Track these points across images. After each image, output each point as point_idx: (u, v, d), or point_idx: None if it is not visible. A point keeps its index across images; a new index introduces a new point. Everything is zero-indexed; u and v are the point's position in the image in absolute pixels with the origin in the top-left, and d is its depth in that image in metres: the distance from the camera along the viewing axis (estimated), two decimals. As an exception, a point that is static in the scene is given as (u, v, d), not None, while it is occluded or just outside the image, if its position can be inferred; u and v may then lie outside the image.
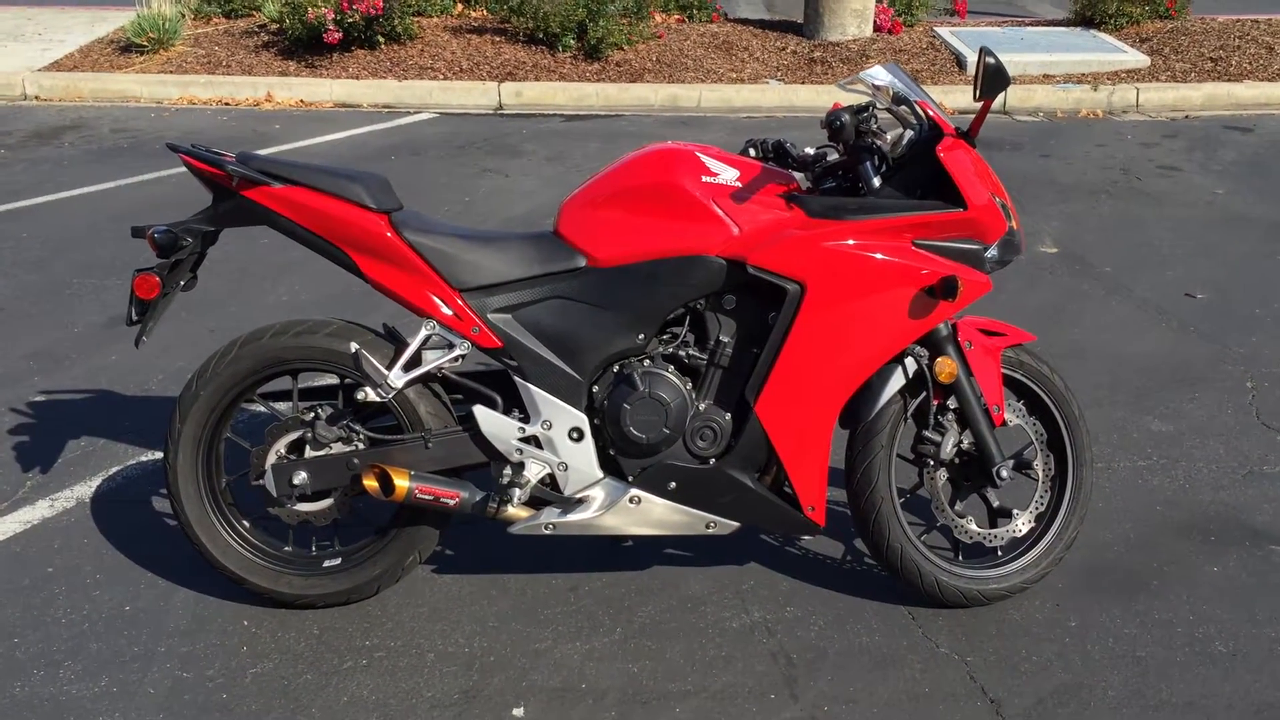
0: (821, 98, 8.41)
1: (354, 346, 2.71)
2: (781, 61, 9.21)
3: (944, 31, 9.84)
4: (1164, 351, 4.50)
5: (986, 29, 10.23)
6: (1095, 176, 6.81)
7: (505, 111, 8.44)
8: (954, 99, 8.49)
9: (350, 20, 8.74)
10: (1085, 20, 10.08)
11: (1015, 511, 2.99)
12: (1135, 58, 9.10)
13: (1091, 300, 4.99)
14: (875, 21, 9.66)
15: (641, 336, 2.75)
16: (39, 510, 3.38)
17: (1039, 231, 5.81)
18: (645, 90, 8.61)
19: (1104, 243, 5.70)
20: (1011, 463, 2.91)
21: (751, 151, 2.94)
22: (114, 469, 3.59)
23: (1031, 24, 10.59)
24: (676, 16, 10.06)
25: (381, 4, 8.72)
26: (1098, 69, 8.97)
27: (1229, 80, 8.81)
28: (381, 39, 8.98)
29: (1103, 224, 6.00)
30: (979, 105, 2.64)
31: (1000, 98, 8.54)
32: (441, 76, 8.74)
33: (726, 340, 2.77)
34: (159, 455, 3.61)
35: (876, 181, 2.73)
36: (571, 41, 9.05)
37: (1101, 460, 3.65)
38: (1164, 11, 9.93)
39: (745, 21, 10.25)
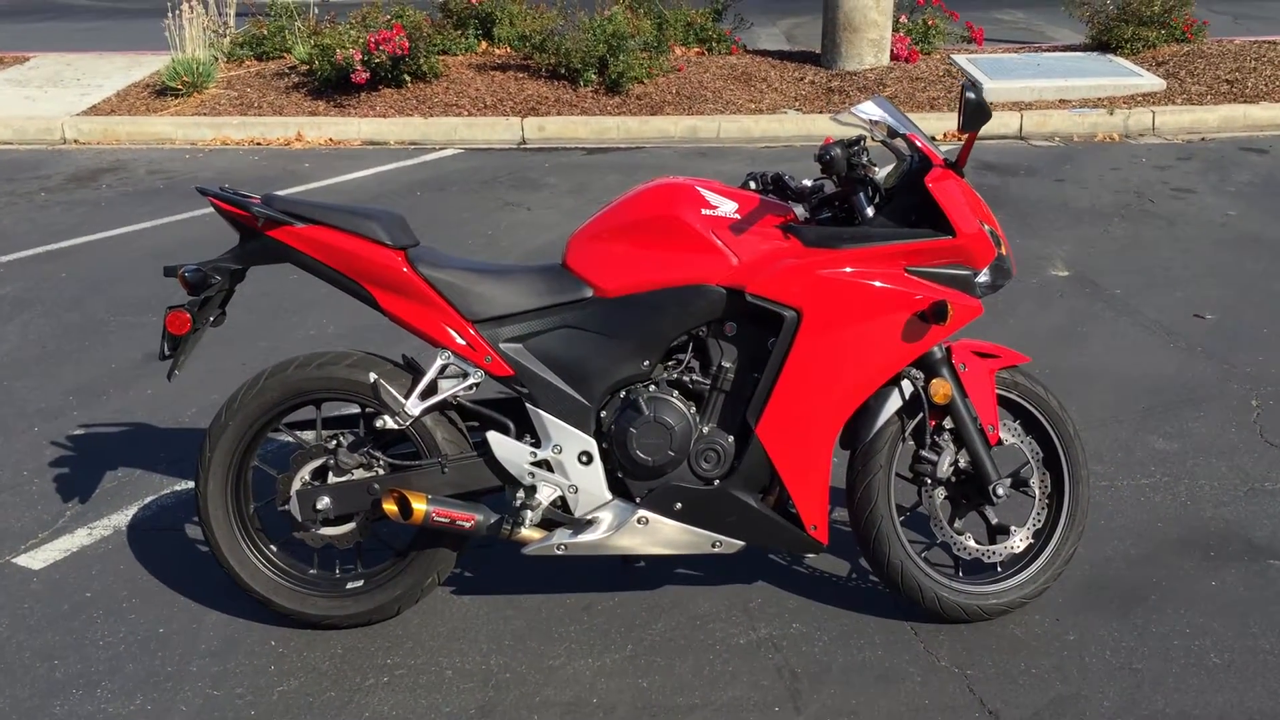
0: (838, 127, 8.54)
1: (372, 377, 2.85)
2: (800, 92, 9.34)
3: (961, 59, 9.95)
4: (1171, 371, 4.57)
5: (1003, 55, 10.32)
6: (1108, 200, 6.89)
7: (528, 146, 8.63)
8: (970, 126, 8.59)
9: (377, 61, 8.97)
10: (1102, 45, 10.16)
11: (1013, 528, 3.08)
12: (1151, 81, 9.18)
13: (1101, 322, 5.07)
14: (892, 50, 9.77)
15: (646, 363, 2.88)
16: (78, 539, 3.53)
17: (1051, 255, 5.90)
18: (665, 122, 8.77)
19: (1115, 265, 5.77)
20: (1008, 480, 3.01)
21: (751, 184, 3.06)
22: (149, 498, 3.75)
23: (1049, 49, 10.67)
24: (696, 49, 10.24)
25: (408, 44, 8.96)
26: (1114, 93, 9.04)
27: (1245, 102, 8.86)
28: (408, 78, 9.20)
29: (1114, 247, 6.08)
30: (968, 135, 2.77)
31: (1016, 122, 8.73)
32: (466, 113, 8.94)
33: (728, 365, 2.89)
34: (192, 485, 3.76)
35: (870, 211, 2.85)
36: (593, 76, 9.24)
37: (1105, 479, 3.73)
38: (1180, 35, 10.01)
39: (764, 53, 10.40)
